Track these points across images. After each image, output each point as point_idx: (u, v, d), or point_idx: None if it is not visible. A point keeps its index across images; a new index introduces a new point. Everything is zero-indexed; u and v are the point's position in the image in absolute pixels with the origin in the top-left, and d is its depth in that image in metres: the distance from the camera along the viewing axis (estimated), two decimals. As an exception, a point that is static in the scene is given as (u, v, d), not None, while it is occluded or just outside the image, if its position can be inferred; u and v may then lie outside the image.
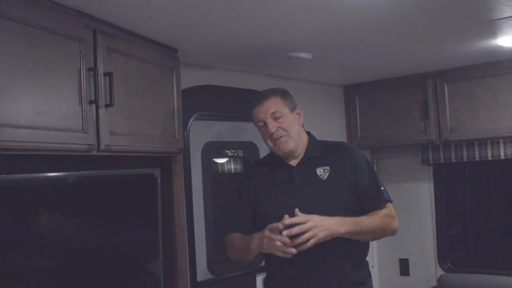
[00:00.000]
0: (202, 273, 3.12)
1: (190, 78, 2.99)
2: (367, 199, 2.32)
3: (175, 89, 2.66)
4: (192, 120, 3.05)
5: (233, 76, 3.38)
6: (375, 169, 2.50)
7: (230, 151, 3.37)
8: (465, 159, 3.94)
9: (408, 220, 4.11)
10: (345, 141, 4.12)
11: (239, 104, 3.29)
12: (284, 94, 2.42)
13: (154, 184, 2.49)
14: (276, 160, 2.42)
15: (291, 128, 2.35)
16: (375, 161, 4.37)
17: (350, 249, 2.29)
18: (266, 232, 2.15)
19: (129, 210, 2.40)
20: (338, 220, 2.18)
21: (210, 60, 3.15)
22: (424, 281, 4.14)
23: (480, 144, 3.85)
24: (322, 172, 2.33)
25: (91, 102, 2.07)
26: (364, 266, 2.39)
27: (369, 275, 2.41)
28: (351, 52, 3.14)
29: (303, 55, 3.05)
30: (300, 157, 2.39)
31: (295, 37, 2.73)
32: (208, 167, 3.23)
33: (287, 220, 2.11)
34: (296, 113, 2.42)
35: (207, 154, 3.20)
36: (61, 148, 1.93)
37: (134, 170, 2.49)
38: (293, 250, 2.10)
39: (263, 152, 3.56)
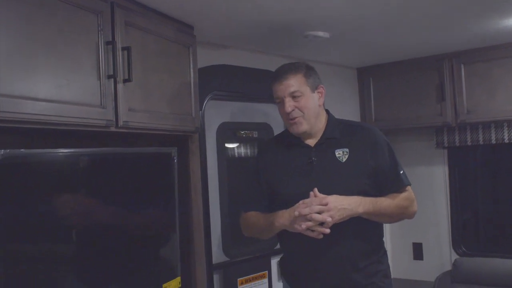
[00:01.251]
0: (217, 255, 3.08)
1: (205, 57, 2.93)
2: (386, 183, 2.28)
3: (191, 66, 2.60)
4: (207, 100, 3.00)
5: (248, 56, 3.32)
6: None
7: (244, 132, 3.31)
8: (481, 142, 3.87)
9: (422, 204, 3.99)
10: (359, 124, 4.07)
11: (254, 84, 3.24)
12: (308, 72, 2.32)
13: (171, 163, 2.44)
14: (293, 138, 2.35)
15: (309, 109, 2.27)
16: (388, 144, 4.30)
17: (367, 227, 2.26)
18: (297, 212, 2.11)
19: (146, 190, 2.35)
20: (357, 199, 2.16)
21: (225, 39, 3.09)
22: (438, 265, 4.10)
23: (497, 127, 3.79)
24: (341, 154, 2.28)
25: (109, 77, 2.02)
26: (380, 244, 2.37)
27: (385, 253, 2.39)
28: (368, 31, 3.07)
29: (321, 33, 2.98)
30: (318, 137, 2.32)
31: (313, 14, 2.66)
32: (223, 148, 3.18)
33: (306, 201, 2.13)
34: (318, 92, 2.33)
35: (222, 135, 3.16)
36: (80, 123, 1.89)
37: (151, 148, 2.45)
38: (327, 230, 2.09)
39: (278, 133, 3.52)
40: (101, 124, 1.99)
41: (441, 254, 4.15)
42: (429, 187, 4.18)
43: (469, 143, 3.94)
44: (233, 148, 3.33)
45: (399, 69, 4.01)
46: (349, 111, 4.09)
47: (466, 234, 4.24)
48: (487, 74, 3.63)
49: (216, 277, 3.05)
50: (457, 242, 4.12)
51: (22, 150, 1.71)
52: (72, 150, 1.99)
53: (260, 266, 3.29)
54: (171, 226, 2.46)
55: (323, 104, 2.39)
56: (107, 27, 2.04)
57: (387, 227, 4.16)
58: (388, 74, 4.07)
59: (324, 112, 2.39)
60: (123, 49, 2.10)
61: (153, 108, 2.30)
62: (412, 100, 3.93)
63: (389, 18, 2.82)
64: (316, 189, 2.14)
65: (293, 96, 2.26)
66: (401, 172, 2.32)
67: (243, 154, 3.40)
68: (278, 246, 3.38)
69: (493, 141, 3.82)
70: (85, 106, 1.91)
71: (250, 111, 3.35)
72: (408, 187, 2.34)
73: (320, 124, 2.34)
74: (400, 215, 2.32)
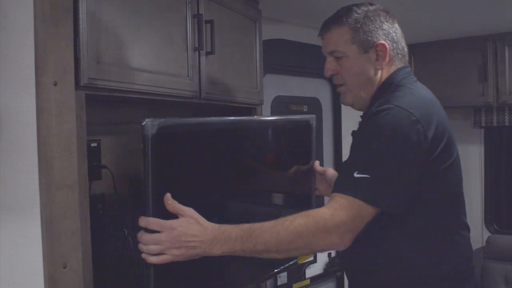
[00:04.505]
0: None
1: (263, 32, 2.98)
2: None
3: (257, 41, 2.65)
4: (265, 73, 3.05)
5: (303, 31, 3.36)
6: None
7: (296, 106, 3.38)
8: (519, 123, 3.95)
9: (456, 182, 4.16)
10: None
11: (307, 59, 3.30)
12: (359, 24, 1.71)
13: (310, 130, 2.32)
14: None
15: (352, 76, 1.74)
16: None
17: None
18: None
19: (287, 156, 2.28)
20: (218, 233, 1.52)
21: (284, 14, 3.13)
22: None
23: (536, 109, 3.86)
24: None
25: (195, 49, 2.07)
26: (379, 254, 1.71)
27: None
28: (416, 8, 3.09)
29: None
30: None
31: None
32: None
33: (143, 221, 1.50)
34: (375, 51, 1.72)
35: (276, 108, 3.22)
36: (173, 94, 1.94)
37: (292, 116, 2.43)
38: (151, 259, 1.50)
39: (326, 108, 3.59)
40: (188, 95, 2.04)
41: (473, 231, 4.22)
42: (464, 165, 4.16)
43: (507, 123, 4.00)
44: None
45: (441, 48, 4.05)
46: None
47: (498, 212, 4.32)
48: (531, 56, 3.68)
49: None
50: (489, 220, 4.21)
51: (178, 118, 1.64)
52: (225, 119, 1.92)
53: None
54: (309, 196, 2.31)
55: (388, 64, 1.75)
56: (194, 1, 2.09)
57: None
58: (431, 52, 4.10)
59: (385, 75, 1.76)
60: (206, 22, 2.14)
61: (227, 81, 2.35)
62: (453, 80, 3.98)
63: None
64: (168, 196, 1.51)
65: (335, 57, 1.76)
66: (357, 174, 1.52)
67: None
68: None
69: (532, 123, 3.89)
70: (176, 77, 1.96)
71: (301, 86, 3.41)
72: (342, 199, 1.53)
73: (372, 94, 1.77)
74: (297, 250, 1.56)
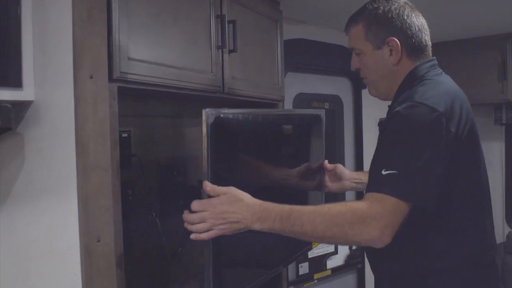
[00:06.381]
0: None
1: (285, 32, 3.12)
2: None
3: (278, 40, 2.80)
4: (287, 72, 3.19)
5: (323, 31, 3.50)
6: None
7: (318, 103, 3.51)
8: (538, 119, 4.01)
9: (478, 178, 4.23)
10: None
11: (328, 58, 3.43)
12: (370, 22, 1.78)
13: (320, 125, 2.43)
14: None
15: (371, 72, 1.83)
16: (446, 120, 4.44)
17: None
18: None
19: (297, 149, 2.39)
20: (259, 210, 1.58)
21: (305, 15, 3.27)
22: (491, 237, 4.27)
23: (556, 105, 3.92)
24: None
25: (218, 48, 2.23)
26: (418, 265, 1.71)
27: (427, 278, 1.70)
28: (437, 7, 3.18)
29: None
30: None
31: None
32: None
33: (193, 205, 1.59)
34: (388, 47, 1.77)
35: (298, 105, 3.36)
36: (197, 88, 2.10)
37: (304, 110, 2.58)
38: (198, 237, 1.59)
39: (347, 105, 3.72)
40: (212, 90, 2.20)
41: (495, 227, 4.30)
42: (486, 161, 4.32)
43: (527, 120, 4.08)
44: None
45: (461, 47, 4.13)
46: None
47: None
48: (550, 54, 3.75)
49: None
50: (510, 216, 4.28)
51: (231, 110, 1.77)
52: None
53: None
54: (319, 193, 2.39)
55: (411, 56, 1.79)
56: (217, 2, 2.24)
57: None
58: (451, 51, 4.17)
59: (409, 68, 1.79)
60: (229, 22, 2.30)
61: (249, 77, 2.50)
62: (474, 78, 4.05)
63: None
64: (206, 183, 1.58)
65: (356, 53, 1.86)
66: (384, 171, 1.55)
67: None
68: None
69: (551, 119, 3.96)
70: (201, 73, 2.12)
71: (323, 83, 3.55)
72: (375, 196, 1.55)
73: (396, 87, 1.82)
74: (331, 239, 1.62)
